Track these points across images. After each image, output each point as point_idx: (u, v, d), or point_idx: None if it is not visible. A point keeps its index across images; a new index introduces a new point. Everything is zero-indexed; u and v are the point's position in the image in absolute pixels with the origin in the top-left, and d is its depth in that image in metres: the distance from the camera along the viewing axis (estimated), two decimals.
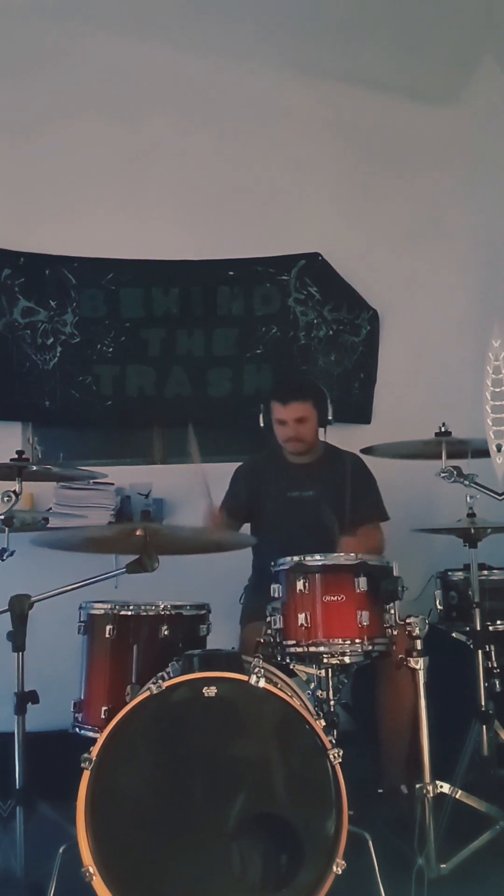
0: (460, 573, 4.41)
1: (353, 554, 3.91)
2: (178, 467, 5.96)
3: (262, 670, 3.25)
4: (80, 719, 3.85)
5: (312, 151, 6.25)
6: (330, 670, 3.81)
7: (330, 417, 4.91)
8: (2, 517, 4.04)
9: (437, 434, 4.18)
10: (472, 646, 4.13)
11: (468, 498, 4.09)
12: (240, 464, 5.19)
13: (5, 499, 3.99)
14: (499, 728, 4.10)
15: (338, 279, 6.15)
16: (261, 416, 4.94)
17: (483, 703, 4.06)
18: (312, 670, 3.84)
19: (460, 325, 6.04)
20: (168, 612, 3.85)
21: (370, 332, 6.16)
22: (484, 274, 6.10)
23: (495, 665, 4.19)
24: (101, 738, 3.13)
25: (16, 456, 4.15)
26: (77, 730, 3.84)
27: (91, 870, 3.00)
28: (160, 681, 3.19)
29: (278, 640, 3.82)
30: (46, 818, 3.59)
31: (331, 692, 3.80)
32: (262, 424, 4.92)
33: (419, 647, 3.63)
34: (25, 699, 3.60)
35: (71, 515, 5.46)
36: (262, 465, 5.11)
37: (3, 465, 4.09)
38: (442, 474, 4.10)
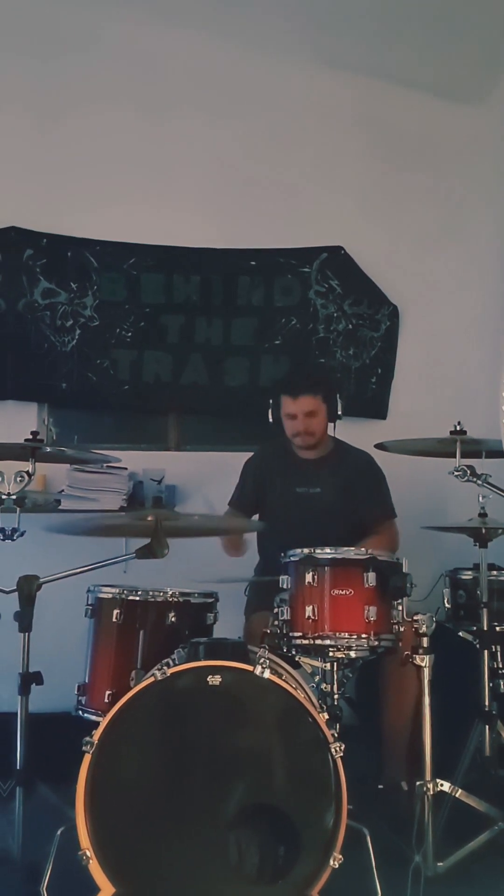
0: (469, 572, 4.41)
1: (362, 549, 3.90)
2: (192, 454, 5.98)
3: (268, 661, 3.25)
4: (83, 702, 3.85)
5: (338, 145, 6.23)
6: (335, 664, 3.81)
7: (339, 412, 4.87)
8: (14, 497, 4.04)
9: (452, 432, 4.17)
10: (478, 645, 4.14)
11: (480, 498, 4.09)
12: (250, 455, 5.19)
13: (18, 479, 3.99)
14: (501, 728, 4.10)
15: (359, 273, 6.14)
16: (269, 412, 4.91)
17: (487, 703, 4.07)
18: (318, 663, 3.84)
19: (479, 324, 6.02)
20: (176, 599, 3.84)
21: (389, 328, 6.15)
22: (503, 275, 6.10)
23: (501, 665, 4.19)
24: (104, 722, 3.14)
25: (30, 436, 4.15)
26: (80, 713, 3.85)
27: (88, 853, 3.00)
28: (165, 667, 3.19)
29: (285, 631, 3.82)
30: (46, 800, 3.61)
31: (335, 686, 3.81)
32: (270, 419, 4.90)
33: (425, 645, 3.62)
34: (30, 680, 3.61)
35: (83, 498, 5.47)
36: (271, 458, 5.10)
37: (17, 445, 4.09)
38: (455, 473, 4.09)
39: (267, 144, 6.19)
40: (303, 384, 4.88)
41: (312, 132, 6.23)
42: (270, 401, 4.91)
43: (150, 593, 3.85)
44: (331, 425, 4.93)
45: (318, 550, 3.85)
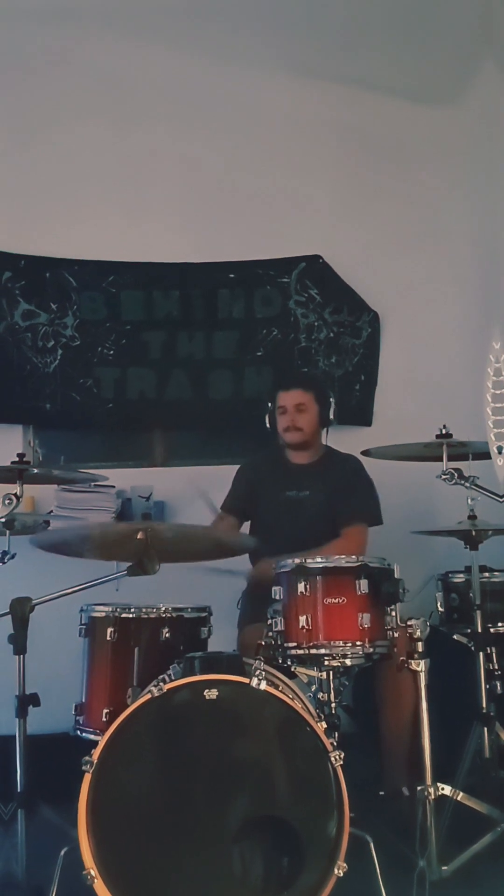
0: (461, 575, 4.42)
1: (353, 556, 3.90)
2: (179, 470, 5.98)
3: (264, 672, 3.25)
4: (81, 722, 3.86)
5: (312, 154, 6.25)
6: (331, 672, 3.80)
7: (332, 417, 4.91)
8: (3, 520, 4.04)
9: (437, 436, 4.19)
10: (473, 648, 4.14)
11: (469, 500, 4.10)
12: (237, 468, 5.20)
13: (6, 501, 4.00)
14: (500, 730, 4.11)
15: (338, 281, 6.15)
16: (266, 417, 4.94)
17: (484, 705, 4.08)
18: (313, 672, 3.83)
19: (461, 327, 6.04)
20: (169, 615, 3.86)
21: (371, 335, 6.16)
22: (484, 276, 6.10)
23: (496, 667, 4.20)
24: (103, 740, 3.14)
25: (17, 459, 4.16)
26: (78, 732, 3.85)
27: (92, 872, 3.00)
28: (161, 683, 3.19)
29: (279, 642, 3.81)
30: (48, 821, 3.60)
31: (332, 694, 3.80)
32: (268, 425, 4.93)
33: (420, 649, 3.63)
34: (27, 702, 3.59)
35: (72, 518, 5.47)
36: (263, 464, 5.12)
37: (4, 467, 4.10)
38: (443, 476, 4.11)
39: (242, 156, 6.20)
40: (296, 378, 4.98)
41: (287, 141, 6.25)
42: (269, 405, 4.96)
43: (144, 610, 3.86)
44: (323, 433, 4.97)
45: (309, 560, 3.85)
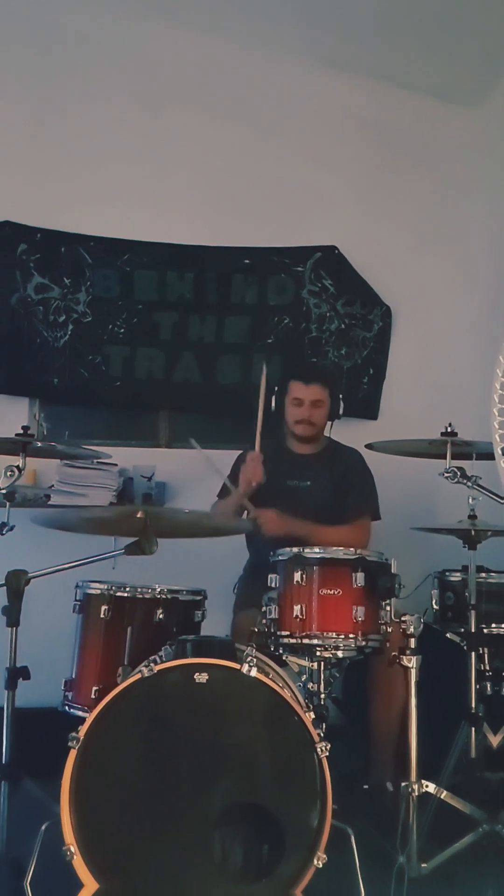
0: (458, 574, 4.41)
1: (351, 549, 3.90)
2: (182, 452, 5.95)
3: (255, 659, 3.25)
4: (69, 698, 3.86)
5: (334, 145, 6.24)
6: (322, 663, 3.82)
7: (340, 412, 4.91)
8: (4, 492, 4.04)
9: (443, 434, 4.19)
10: (465, 647, 4.13)
11: (470, 500, 4.09)
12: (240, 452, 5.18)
13: (8, 473, 3.99)
14: (487, 731, 4.11)
15: (353, 273, 6.15)
16: (273, 399, 4.92)
17: (473, 705, 4.06)
18: (305, 662, 3.84)
19: (471, 326, 6.04)
20: (164, 596, 3.86)
21: (382, 329, 6.16)
22: (498, 277, 6.10)
23: (487, 667, 4.19)
24: (90, 717, 3.14)
25: (21, 431, 4.15)
26: (66, 708, 3.85)
27: (72, 849, 3.00)
28: (152, 664, 3.19)
29: (272, 630, 3.82)
30: (31, 795, 3.60)
31: (322, 685, 3.81)
32: (273, 408, 4.91)
33: (413, 646, 3.63)
34: (17, 675, 3.59)
35: (73, 494, 5.46)
36: (264, 451, 5.08)
37: (7, 439, 4.09)
38: (445, 474, 4.10)
39: (263, 143, 6.18)
40: (316, 372, 4.97)
41: (309, 132, 6.23)
42: (276, 388, 4.94)
43: (139, 590, 3.86)
44: (328, 424, 4.96)
45: (306, 550, 3.85)
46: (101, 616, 3.81)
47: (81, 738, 3.09)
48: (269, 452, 4.99)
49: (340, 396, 4.96)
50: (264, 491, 4.90)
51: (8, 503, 4.06)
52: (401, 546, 4.26)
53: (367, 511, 4.85)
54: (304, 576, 3.79)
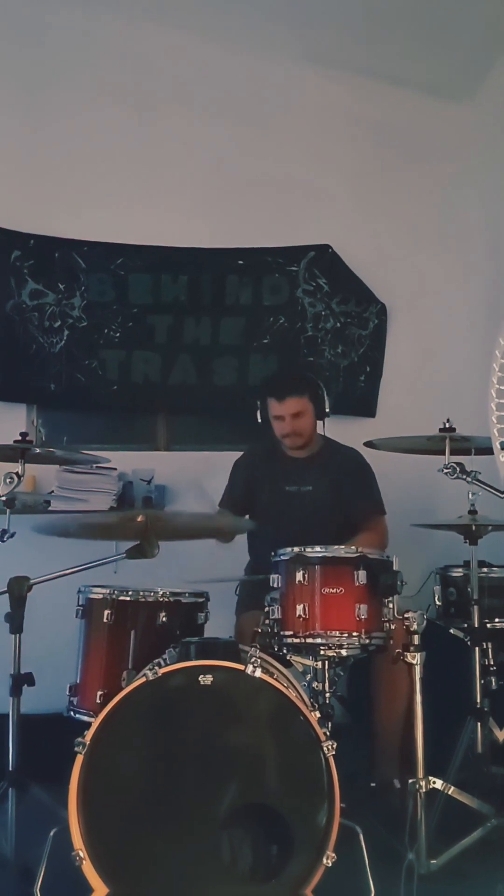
0: (460, 570, 4.41)
1: (353, 547, 3.90)
2: (181, 454, 5.98)
3: (259, 660, 3.25)
4: (75, 703, 3.86)
5: (326, 143, 6.24)
6: (326, 662, 3.81)
7: (327, 410, 4.88)
8: (3, 498, 4.03)
9: (441, 430, 4.18)
10: (469, 642, 4.13)
11: (470, 495, 4.09)
12: (239, 454, 5.18)
13: (7, 480, 3.99)
14: (493, 725, 4.11)
15: (347, 272, 6.15)
16: (258, 412, 4.90)
17: (478, 700, 4.07)
18: (309, 662, 3.85)
19: (468, 321, 6.04)
20: (167, 599, 3.85)
21: (378, 326, 6.16)
22: (494, 272, 6.09)
23: (492, 662, 4.20)
24: (96, 722, 3.14)
25: (19, 438, 4.15)
26: (72, 713, 3.85)
27: (81, 853, 3.00)
28: (157, 667, 3.19)
29: (276, 630, 3.82)
30: (39, 801, 3.60)
31: (327, 684, 3.81)
32: (259, 420, 4.89)
33: (416, 643, 3.61)
34: (21, 681, 3.61)
35: (73, 499, 5.46)
36: (260, 457, 5.08)
37: (6, 446, 4.09)
38: (444, 470, 4.09)
39: (256, 143, 6.19)
40: (288, 386, 4.85)
41: (301, 130, 6.24)
42: (258, 402, 4.91)
43: (141, 593, 3.85)
44: (319, 423, 4.92)
45: (308, 549, 3.85)
46: (104, 620, 3.81)
47: (88, 742, 3.09)
48: (265, 459, 4.99)
49: (324, 393, 4.89)
50: (262, 499, 4.90)
51: (8, 510, 4.06)
52: (402, 543, 4.27)
53: (378, 510, 4.84)
54: (306, 575, 3.78)
